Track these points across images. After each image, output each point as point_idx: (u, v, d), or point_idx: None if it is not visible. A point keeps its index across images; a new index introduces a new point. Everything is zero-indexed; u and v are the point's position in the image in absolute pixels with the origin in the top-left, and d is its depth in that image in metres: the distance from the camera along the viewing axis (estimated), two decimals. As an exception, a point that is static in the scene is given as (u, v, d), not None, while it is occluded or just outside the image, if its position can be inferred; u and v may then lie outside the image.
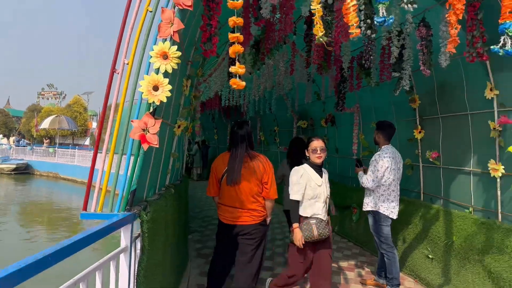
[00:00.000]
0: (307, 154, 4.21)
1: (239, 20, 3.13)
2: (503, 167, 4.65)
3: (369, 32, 4.38)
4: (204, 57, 3.94)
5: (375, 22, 3.12)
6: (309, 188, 4.06)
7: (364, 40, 6.24)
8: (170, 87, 2.99)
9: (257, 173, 3.98)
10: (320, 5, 3.29)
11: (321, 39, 3.19)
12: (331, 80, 8.71)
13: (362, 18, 4.40)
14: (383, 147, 5.52)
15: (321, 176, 4.18)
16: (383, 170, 5.23)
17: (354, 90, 7.59)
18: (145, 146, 2.99)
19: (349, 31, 3.17)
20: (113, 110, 3.12)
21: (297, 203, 4.11)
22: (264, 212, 4.06)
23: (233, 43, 3.26)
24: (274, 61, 9.26)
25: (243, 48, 3.29)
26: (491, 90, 4.77)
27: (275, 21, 6.56)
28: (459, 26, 3.83)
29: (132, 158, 3.04)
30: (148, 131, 3.02)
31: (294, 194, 4.08)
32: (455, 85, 5.58)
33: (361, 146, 8.79)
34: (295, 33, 7.78)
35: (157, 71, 3.02)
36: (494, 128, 4.73)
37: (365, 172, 5.59)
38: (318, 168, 4.17)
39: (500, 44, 3.00)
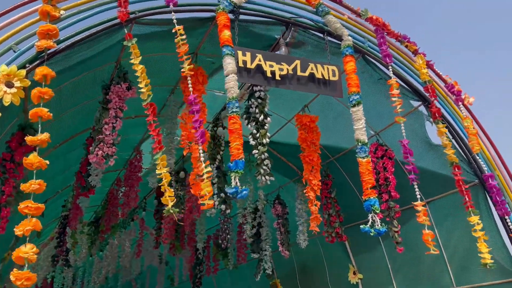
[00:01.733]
0: None
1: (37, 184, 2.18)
2: None
3: (223, 207, 3.84)
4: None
5: (228, 194, 2.55)
6: None
7: (220, 217, 5.70)
8: None
9: None
10: (167, 169, 2.65)
11: (171, 211, 2.45)
12: (185, 262, 7.71)
13: (216, 191, 3.90)
14: None
15: None
16: None
17: (212, 274, 6.69)
18: None
19: (201, 201, 2.51)
20: None
21: None
22: None
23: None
24: (119, 240, 8.00)
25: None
26: (354, 273, 4.40)
27: (119, 194, 5.70)
28: (318, 203, 3.53)
29: None
30: None
31: None
32: (316, 268, 5.15)
33: None
34: (144, 209, 6.94)
35: None
36: (365, 319, 4.17)
37: None
38: None
39: (369, 223, 2.62)
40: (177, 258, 7.92)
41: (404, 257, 3.83)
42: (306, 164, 3.69)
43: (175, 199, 2.53)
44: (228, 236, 5.61)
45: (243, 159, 2.59)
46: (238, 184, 2.52)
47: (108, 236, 7.16)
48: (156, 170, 2.56)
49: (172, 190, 2.52)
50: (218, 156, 4.18)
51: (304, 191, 3.58)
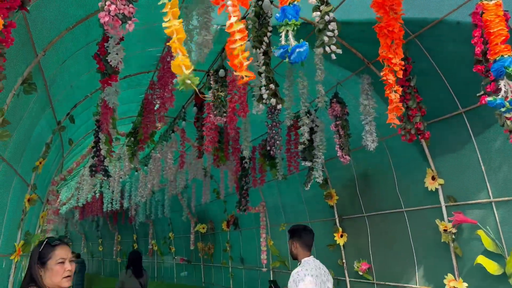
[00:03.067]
0: None
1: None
2: (466, 284, 3.35)
3: (273, 100, 3.12)
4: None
5: (275, 55, 1.78)
6: None
7: (266, 121, 5.03)
8: None
9: None
10: (180, 20, 1.86)
11: (187, 81, 1.65)
12: (230, 175, 7.32)
13: (264, 83, 3.18)
14: (302, 260, 3.96)
15: None
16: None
17: (258, 185, 6.22)
18: None
19: (236, 72, 1.74)
20: None
21: None
22: None
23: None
24: (161, 153, 7.68)
25: None
26: (433, 179, 3.66)
27: (154, 99, 5.11)
28: (400, 88, 2.70)
29: None
30: None
31: None
32: (381, 175, 4.46)
33: (270, 254, 7.17)
34: (184, 118, 6.42)
35: None
36: (446, 230, 3.50)
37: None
38: None
39: (502, 93, 1.80)
40: (221, 171, 7.55)
41: (504, 154, 3.02)
42: (384, 38, 2.78)
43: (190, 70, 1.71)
44: (277, 142, 4.97)
45: (297, 2, 1.75)
46: (292, 41, 1.72)
47: (149, 148, 6.81)
48: (163, 24, 1.75)
49: (186, 51, 1.71)
50: (265, 39, 3.34)
51: (381, 73, 2.74)
